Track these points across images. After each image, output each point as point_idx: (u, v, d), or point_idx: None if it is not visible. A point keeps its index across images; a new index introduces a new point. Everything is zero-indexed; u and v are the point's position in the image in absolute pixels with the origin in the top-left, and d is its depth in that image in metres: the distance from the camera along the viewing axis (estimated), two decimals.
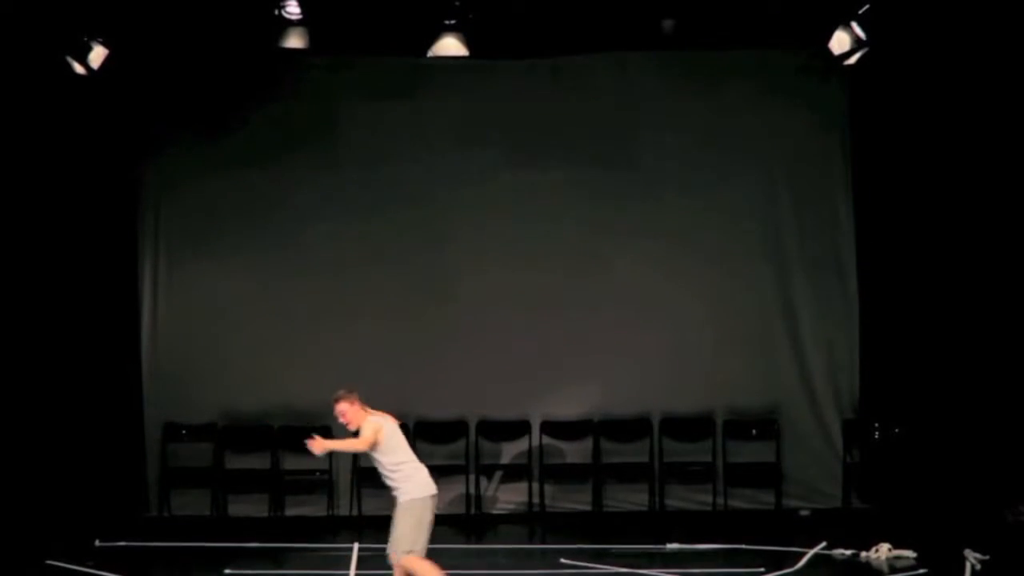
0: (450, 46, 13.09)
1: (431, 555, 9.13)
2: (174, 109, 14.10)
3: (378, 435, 9.12)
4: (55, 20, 12.44)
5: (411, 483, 9.12)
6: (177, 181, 14.22)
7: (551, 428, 14.19)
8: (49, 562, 11.42)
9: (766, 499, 14.09)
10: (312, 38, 13.09)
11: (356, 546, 11.92)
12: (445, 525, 13.75)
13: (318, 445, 9.16)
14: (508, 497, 14.25)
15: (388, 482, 9.21)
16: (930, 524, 12.83)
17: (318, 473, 14.05)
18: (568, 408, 14.20)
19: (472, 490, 14.03)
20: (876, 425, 14.06)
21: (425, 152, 14.24)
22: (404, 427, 13.89)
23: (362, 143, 14.26)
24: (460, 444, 13.99)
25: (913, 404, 13.81)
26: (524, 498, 14.12)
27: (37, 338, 13.62)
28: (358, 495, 13.96)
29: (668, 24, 13.29)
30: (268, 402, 14.08)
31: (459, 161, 14.25)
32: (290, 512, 14.10)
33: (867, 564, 11.58)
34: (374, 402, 14.09)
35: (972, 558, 11.15)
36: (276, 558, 12.36)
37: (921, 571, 11.07)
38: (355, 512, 13.96)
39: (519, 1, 13.25)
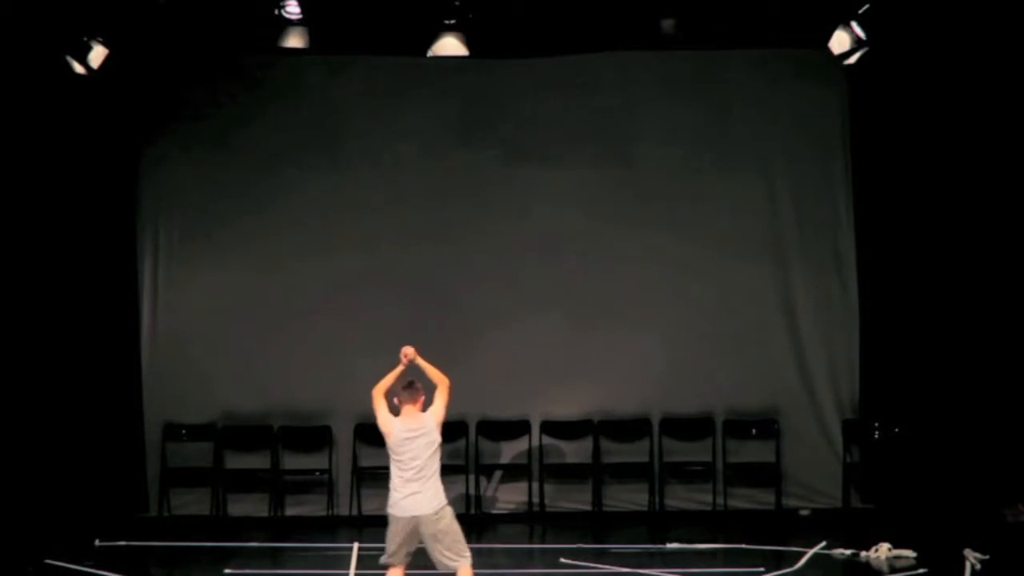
0: (450, 46, 13.07)
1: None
2: (174, 109, 14.10)
3: (386, 426, 9.06)
4: (55, 20, 12.44)
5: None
6: (176, 181, 14.22)
7: (551, 428, 14.19)
8: (49, 562, 11.43)
9: (766, 499, 14.09)
10: (312, 38, 13.08)
11: (356, 546, 11.92)
12: None
13: (412, 351, 9.23)
14: (508, 497, 14.25)
15: None
16: (930, 524, 12.83)
17: (318, 473, 14.06)
18: (568, 408, 14.20)
19: (472, 490, 14.03)
20: (876, 425, 14.06)
21: (424, 151, 14.25)
22: None
23: (362, 143, 14.27)
24: (460, 444, 13.97)
25: (913, 404, 13.80)
26: (524, 498, 14.12)
27: (37, 338, 13.61)
28: (358, 495, 13.97)
29: (668, 24, 13.27)
30: (268, 402, 14.10)
31: (459, 161, 14.26)
32: (290, 512, 14.10)
33: (867, 564, 11.59)
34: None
35: (972, 558, 11.16)
36: (276, 558, 12.37)
37: (921, 571, 11.08)
38: (355, 512, 13.97)
39: (519, 1, 13.25)
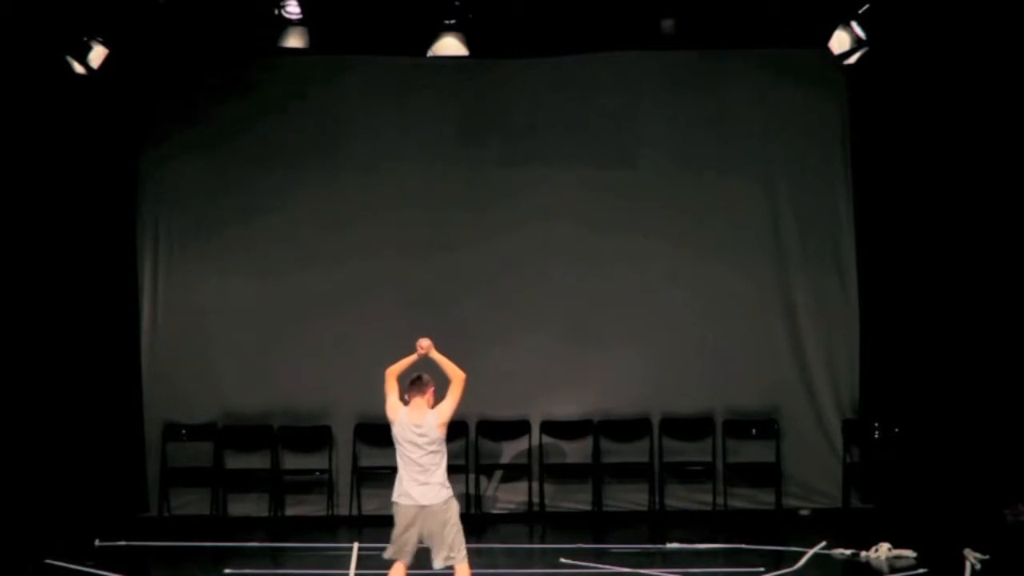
0: (450, 46, 13.07)
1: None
2: (173, 109, 14.10)
3: (392, 413, 9.05)
4: (55, 20, 12.44)
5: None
6: (176, 181, 14.22)
7: (551, 428, 14.19)
8: (49, 562, 11.43)
9: (766, 499, 14.08)
10: (312, 38, 13.08)
11: (356, 546, 11.92)
12: None
13: (428, 343, 9.21)
14: (508, 497, 14.26)
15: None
16: (930, 524, 12.83)
17: (318, 473, 14.07)
18: (568, 408, 14.20)
19: (472, 490, 14.03)
20: (876, 425, 14.06)
21: (424, 152, 14.25)
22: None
23: (361, 143, 14.27)
24: (460, 444, 13.94)
25: (913, 404, 13.80)
26: (524, 498, 14.12)
27: (37, 338, 13.61)
28: (358, 495, 13.97)
29: (668, 24, 13.27)
30: (268, 402, 14.09)
31: (459, 161, 14.27)
32: (290, 512, 14.10)
33: (867, 564, 11.59)
34: (374, 403, 14.17)
35: (972, 558, 11.15)
36: (276, 558, 12.37)
37: (921, 571, 11.07)
38: (355, 512, 13.97)
39: (519, 1, 13.25)
